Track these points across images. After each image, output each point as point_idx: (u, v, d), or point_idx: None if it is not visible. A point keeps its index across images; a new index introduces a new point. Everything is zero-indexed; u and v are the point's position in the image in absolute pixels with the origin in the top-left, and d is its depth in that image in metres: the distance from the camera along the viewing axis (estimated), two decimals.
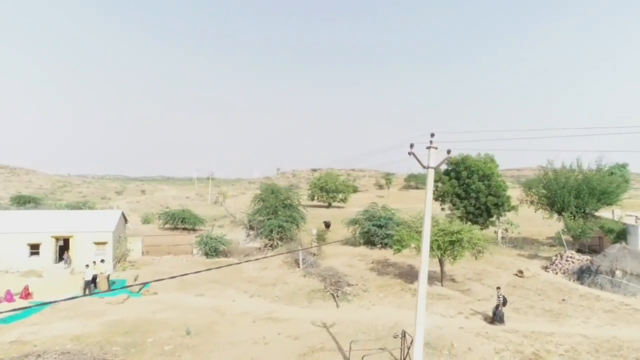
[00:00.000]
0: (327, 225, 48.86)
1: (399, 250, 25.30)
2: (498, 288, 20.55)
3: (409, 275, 27.98)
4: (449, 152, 10.46)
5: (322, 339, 17.46)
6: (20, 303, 21.01)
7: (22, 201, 60.42)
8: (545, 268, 30.10)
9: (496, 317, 19.44)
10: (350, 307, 22.24)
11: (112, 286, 24.58)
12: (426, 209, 10.69)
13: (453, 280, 26.96)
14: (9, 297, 21.14)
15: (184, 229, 48.48)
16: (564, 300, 23.20)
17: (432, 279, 27.19)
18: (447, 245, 23.35)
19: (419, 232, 25.44)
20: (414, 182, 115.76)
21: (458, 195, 36.87)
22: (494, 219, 38.07)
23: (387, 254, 34.86)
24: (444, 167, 39.49)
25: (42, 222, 28.55)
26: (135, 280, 24.53)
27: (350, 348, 15.50)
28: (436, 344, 17.22)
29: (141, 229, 47.17)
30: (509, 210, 37.48)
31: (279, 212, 36.60)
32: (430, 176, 10.31)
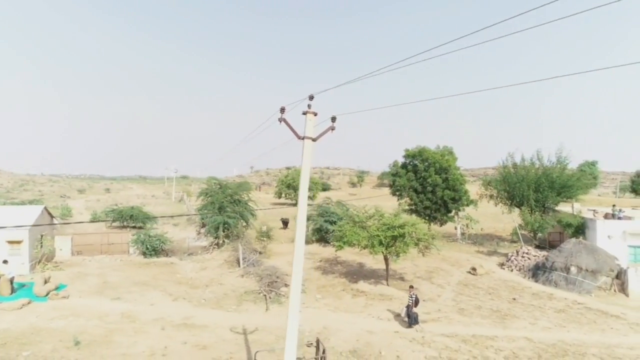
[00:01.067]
0: (285, 222, 46.63)
1: (340, 248, 23.32)
2: (411, 287, 18.71)
3: (356, 274, 26.05)
4: (333, 119, 8.39)
5: (233, 348, 15.31)
6: None
7: None
8: (501, 265, 28.59)
9: (410, 320, 17.54)
10: (281, 309, 20.02)
11: (19, 289, 21.90)
12: (300, 194, 8.60)
13: (402, 278, 25.11)
14: None
15: (134, 227, 45.58)
16: (514, 299, 21.59)
17: (379, 277, 25.41)
18: (389, 241, 21.43)
19: (365, 228, 23.69)
20: (387, 179, 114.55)
21: (415, 190, 35.11)
22: (452, 214, 36.44)
23: (340, 253, 32.91)
24: (401, 159, 37.82)
25: None
26: (46, 282, 21.83)
27: (255, 358, 13.35)
28: (363, 351, 15.30)
29: (85, 227, 44.12)
30: (467, 205, 35.93)
31: (227, 208, 34.18)
32: (308, 149, 8.20)
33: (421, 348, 15.37)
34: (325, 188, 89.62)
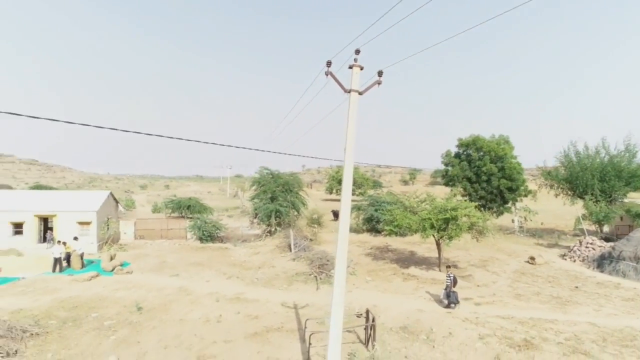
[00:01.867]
0: (336, 214, 46.86)
1: (391, 232, 23.10)
2: (448, 267, 18.15)
3: (407, 260, 25.69)
4: (380, 73, 8.36)
5: (284, 319, 15.60)
6: None
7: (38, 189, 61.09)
8: (563, 256, 27.13)
9: (450, 299, 16.98)
10: (331, 289, 19.97)
11: (88, 265, 23.52)
12: (346, 155, 8.62)
13: (455, 266, 24.45)
14: None
15: (190, 218, 47.52)
16: (576, 287, 20.43)
17: (431, 264, 24.91)
18: (441, 224, 20.93)
19: (416, 213, 23.32)
20: (440, 176, 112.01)
21: (469, 179, 34.03)
22: (509, 205, 34.94)
23: (390, 240, 32.66)
24: (454, 149, 36.79)
25: (25, 201, 27.84)
26: (112, 259, 23.30)
27: (305, 327, 13.58)
28: (414, 327, 15.07)
29: (146, 216, 46.55)
30: (525, 195, 34.30)
31: (279, 197, 34.83)
32: (354, 103, 8.23)
33: (474, 327, 14.90)
34: (377, 185, 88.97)
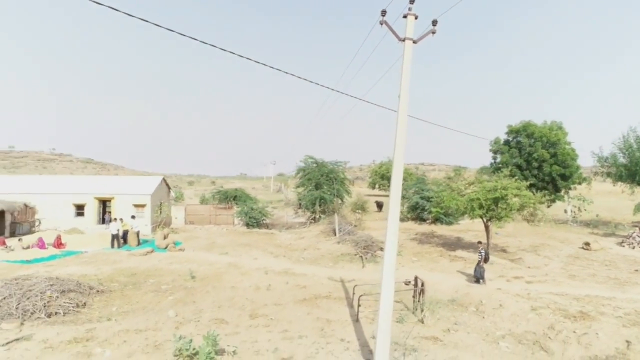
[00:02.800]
0: (380, 205, 46.71)
1: (437, 214, 22.86)
2: (479, 242, 17.75)
3: (453, 244, 25.29)
4: (434, 23, 8.40)
5: (331, 289, 15.88)
6: (51, 250, 21.68)
7: None
8: (620, 243, 25.83)
9: (476, 274, 16.71)
10: (377, 267, 20.21)
11: (143, 243, 24.72)
12: (400, 111, 8.68)
13: (504, 250, 23.87)
14: (41, 244, 21.86)
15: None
16: (636, 270, 19.45)
17: (478, 248, 24.37)
18: (490, 204, 20.47)
19: (463, 196, 22.93)
20: (486, 173, 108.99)
21: (518, 166, 32.98)
22: (562, 193, 33.56)
23: (436, 228, 32.23)
24: (503, 136, 35.77)
25: (86, 185, 29.70)
26: (165, 238, 24.39)
27: (353, 292, 13.78)
28: (462, 300, 14.93)
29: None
30: (579, 183, 32.81)
31: (323, 185, 35.17)
32: (408, 52, 8.31)
33: (526, 301, 14.55)
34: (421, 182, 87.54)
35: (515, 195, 20.24)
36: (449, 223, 32.88)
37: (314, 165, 36.60)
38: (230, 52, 8.62)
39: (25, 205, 27.32)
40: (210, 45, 7.87)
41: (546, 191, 32.45)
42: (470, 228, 31.17)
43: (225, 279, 16.91)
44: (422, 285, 12.79)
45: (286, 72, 8.80)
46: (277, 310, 13.00)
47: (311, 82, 9.14)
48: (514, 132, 34.62)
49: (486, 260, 17.21)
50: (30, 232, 26.56)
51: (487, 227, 22.43)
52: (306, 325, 11.53)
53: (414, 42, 8.46)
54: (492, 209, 20.64)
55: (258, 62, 8.72)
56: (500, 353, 10.44)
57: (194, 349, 8.66)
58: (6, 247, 21.28)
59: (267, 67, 8.68)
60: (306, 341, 10.20)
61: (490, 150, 36.10)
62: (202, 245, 25.54)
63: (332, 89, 9.66)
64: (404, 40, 8.39)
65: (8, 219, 25.79)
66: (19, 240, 22.11)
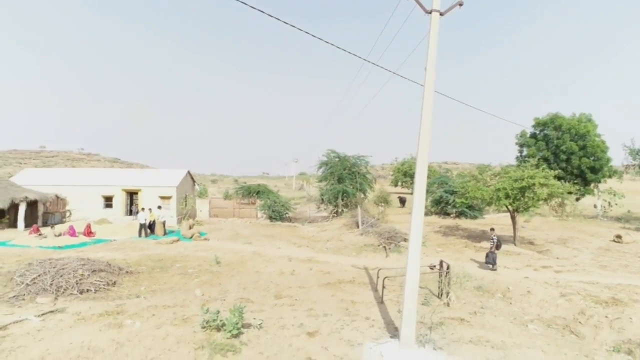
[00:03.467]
0: (403, 201, 46.45)
1: (463, 204, 22.55)
2: (492, 229, 17.57)
3: (478, 237, 24.91)
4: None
5: (355, 275, 15.85)
6: (82, 238, 22.30)
7: None
8: None
9: (488, 260, 16.75)
10: (401, 257, 20.12)
11: (169, 233, 25.18)
12: (426, 86, 8.60)
13: (531, 242, 23.41)
14: (72, 232, 22.50)
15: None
16: None
17: (505, 241, 23.89)
18: (516, 193, 20.09)
19: (489, 186, 22.58)
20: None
21: (546, 159, 32.20)
22: (591, 187, 32.63)
23: (460, 222, 31.81)
24: (530, 130, 35.02)
25: (115, 178, 30.48)
26: (190, 228, 24.80)
27: (377, 276, 13.74)
28: (489, 287, 14.72)
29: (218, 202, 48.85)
30: (609, 176, 31.82)
31: (346, 179, 35.11)
32: (435, 24, 8.24)
33: (555, 288, 14.23)
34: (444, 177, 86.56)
35: (543, 185, 19.79)
36: (474, 217, 32.41)
37: (337, 159, 36.55)
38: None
39: (57, 197, 28.18)
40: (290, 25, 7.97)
41: (575, 185, 31.53)
42: (495, 222, 30.61)
43: (249, 265, 17.09)
44: (448, 268, 12.65)
45: (320, 38, 8.84)
46: (302, 292, 13.06)
47: (343, 49, 9.12)
48: (541, 124, 33.84)
49: (498, 247, 17.17)
50: (61, 222, 27.36)
51: (513, 218, 22.05)
52: (331, 305, 11.56)
53: (441, 14, 8.39)
54: (518, 198, 20.26)
55: (293, 26, 8.79)
56: (528, 334, 10.25)
57: (221, 320, 8.79)
58: (40, 234, 21.98)
59: (298, 30, 8.73)
60: (331, 319, 10.23)
61: (516, 143, 35.39)
62: (226, 235, 25.85)
63: (365, 59, 9.66)
64: (430, 13, 8.33)
65: (41, 209, 26.65)
66: (52, 227, 22.81)
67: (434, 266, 14.05)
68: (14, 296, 11.22)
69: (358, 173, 36.11)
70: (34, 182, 28.57)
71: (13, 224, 25.41)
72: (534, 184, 19.51)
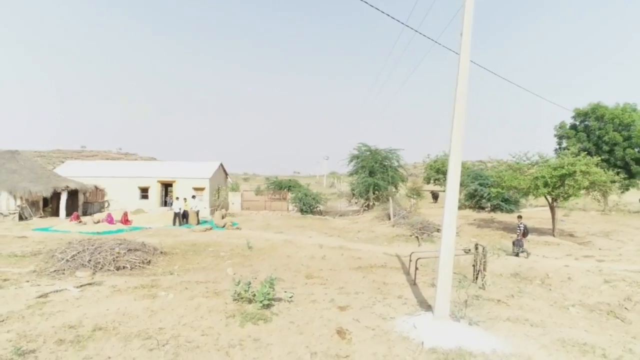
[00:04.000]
0: (435, 196, 45.68)
1: (498, 193, 21.90)
2: (519, 217, 16.85)
3: (515, 229, 24.09)
4: None
5: (387, 261, 15.63)
6: (119, 225, 22.97)
7: None
8: None
9: (514, 248, 16.32)
10: (434, 246, 19.71)
11: (202, 223, 25.61)
12: (461, 61, 8.32)
13: (571, 235, 22.49)
14: (110, 219, 23.20)
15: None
16: None
17: (543, 233, 23.10)
18: (556, 182, 19.33)
19: (525, 176, 21.85)
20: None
21: (587, 151, 30.84)
22: (637, 180, 31.05)
23: (496, 215, 30.94)
24: (570, 121, 33.66)
25: (150, 170, 31.31)
26: (223, 217, 25.15)
27: (410, 259, 13.49)
28: (526, 274, 14.23)
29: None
30: None
31: (377, 173, 34.79)
32: None
33: (597, 276, 13.58)
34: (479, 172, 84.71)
35: (584, 172, 18.96)
36: (510, 211, 31.46)
37: (368, 153, 36.27)
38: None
39: (96, 188, 29.18)
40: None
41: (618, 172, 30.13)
42: (533, 216, 29.64)
43: (280, 250, 17.15)
44: (484, 251, 12.26)
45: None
46: (333, 274, 12.98)
47: (384, 13, 8.97)
48: (581, 115, 32.45)
49: (525, 234, 16.57)
50: (100, 211, 28.31)
51: (552, 209, 21.26)
52: (362, 285, 11.42)
53: None
54: (558, 187, 19.49)
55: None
56: (570, 316, 9.79)
57: (252, 293, 8.80)
58: (79, 221, 22.79)
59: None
60: (362, 296, 10.08)
61: (555, 135, 34.08)
62: (257, 225, 26.09)
63: (405, 24, 9.47)
64: None
65: (81, 198, 27.65)
66: (91, 215, 23.62)
67: (469, 250, 13.66)
68: (54, 271, 11.62)
69: (390, 166, 35.72)
70: (75, 173, 29.69)
71: (56, 213, 26.45)
72: (574, 172, 18.70)
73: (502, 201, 30.29)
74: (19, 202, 24.14)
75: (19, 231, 20.56)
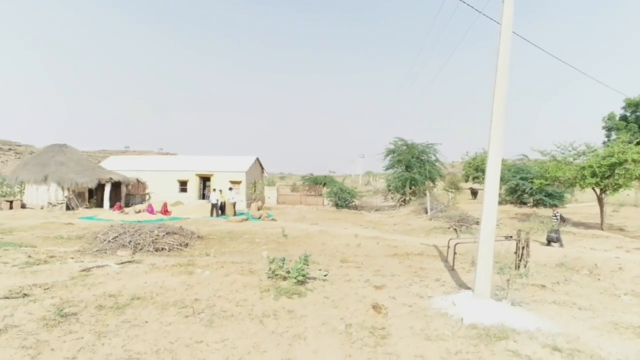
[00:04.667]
0: (474, 192, 44.49)
1: (542, 185, 21.01)
2: (555, 206, 15.95)
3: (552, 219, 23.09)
4: None
5: (423, 249, 15.26)
6: (159, 216, 23.59)
7: None
8: None
9: (550, 237, 15.60)
10: (472, 238, 19.12)
11: (239, 215, 25.94)
12: (502, 29, 7.95)
13: (621, 229, 21.29)
14: (151, 209, 23.90)
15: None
16: None
17: (590, 227, 22.01)
18: (605, 171, 18.33)
19: (568, 164, 20.87)
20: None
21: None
22: None
23: (539, 211, 29.70)
24: (619, 112, 31.95)
25: (189, 164, 32.04)
26: (259, 209, 25.40)
27: (448, 246, 13.12)
28: (572, 264, 13.52)
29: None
30: None
31: (413, 167, 34.16)
32: None
33: None
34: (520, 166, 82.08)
35: (637, 161, 17.88)
36: (553, 206, 30.15)
37: (404, 147, 35.67)
38: None
39: (138, 180, 30.13)
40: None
41: None
42: (577, 211, 28.28)
43: (315, 239, 17.11)
44: (527, 236, 11.75)
45: None
46: (368, 259, 12.78)
47: None
48: (632, 105, 30.67)
49: (562, 220, 15.87)
50: (141, 203, 29.19)
51: (600, 201, 20.21)
52: (398, 269, 11.17)
53: None
54: (607, 176, 18.48)
55: None
56: (622, 303, 9.19)
57: (287, 270, 8.76)
58: (122, 211, 23.57)
59: None
60: (399, 278, 9.86)
61: (603, 127, 32.38)
62: (293, 218, 26.18)
63: None
64: None
65: (123, 190, 28.62)
66: (132, 205, 24.38)
67: (510, 236, 13.15)
68: (97, 250, 12.02)
69: (427, 161, 35.03)
70: (118, 167, 30.78)
71: (100, 204, 27.48)
72: (625, 160, 17.68)
73: (545, 196, 29.07)
74: (66, 193, 25.22)
75: (66, 219, 21.46)
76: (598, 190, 19.61)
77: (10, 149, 74.09)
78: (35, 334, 5.59)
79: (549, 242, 15.65)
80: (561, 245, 15.55)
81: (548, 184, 21.04)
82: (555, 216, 15.91)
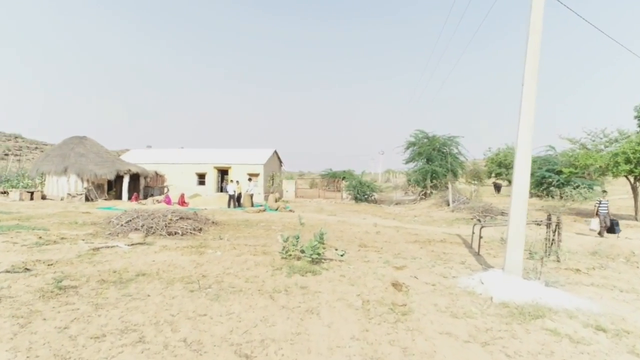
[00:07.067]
0: (498, 187, 43.28)
1: (571, 174, 20.04)
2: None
3: (589, 215, 22.02)
4: None
5: (446, 237, 14.58)
6: (176, 206, 23.42)
7: None
8: None
9: (596, 225, 15.25)
10: (498, 228, 18.32)
11: (256, 206, 25.60)
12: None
13: None
14: (168, 200, 23.77)
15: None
16: None
17: (621, 219, 20.92)
18: (639, 157, 17.31)
19: (599, 152, 19.87)
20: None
21: None
22: None
23: (567, 203, 28.55)
24: None
25: (207, 156, 31.88)
26: (276, 201, 25.01)
27: (472, 232, 12.44)
28: (606, 252, 12.69)
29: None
30: None
31: (434, 160, 33.27)
32: None
33: None
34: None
35: None
36: (583, 198, 28.92)
37: (425, 139, 34.78)
38: None
39: (156, 173, 30.11)
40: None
41: None
42: (610, 204, 27.05)
43: (333, 226, 16.60)
44: (558, 220, 11.00)
45: None
46: (388, 245, 12.19)
47: None
48: None
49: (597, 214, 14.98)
50: (160, 195, 29.16)
51: (634, 190, 19.16)
52: (420, 253, 10.58)
53: None
54: None
55: None
56: None
57: (301, 248, 8.29)
58: (139, 202, 23.49)
59: None
60: (420, 261, 9.27)
61: (635, 117, 30.75)
62: (311, 210, 25.70)
63: None
64: None
65: (142, 182, 28.61)
66: (151, 195, 24.28)
67: (541, 221, 12.38)
68: (109, 233, 11.76)
69: (449, 153, 34.07)
70: (137, 160, 30.85)
71: (119, 196, 27.52)
72: None
73: (574, 188, 27.88)
74: (85, 185, 25.30)
75: (84, 209, 21.46)
76: (632, 179, 18.56)
77: (37, 148, 75.78)
78: (29, 305, 5.25)
79: (610, 227, 14.96)
80: (591, 232, 14.75)
81: (577, 173, 20.02)
82: (602, 204, 15.14)
